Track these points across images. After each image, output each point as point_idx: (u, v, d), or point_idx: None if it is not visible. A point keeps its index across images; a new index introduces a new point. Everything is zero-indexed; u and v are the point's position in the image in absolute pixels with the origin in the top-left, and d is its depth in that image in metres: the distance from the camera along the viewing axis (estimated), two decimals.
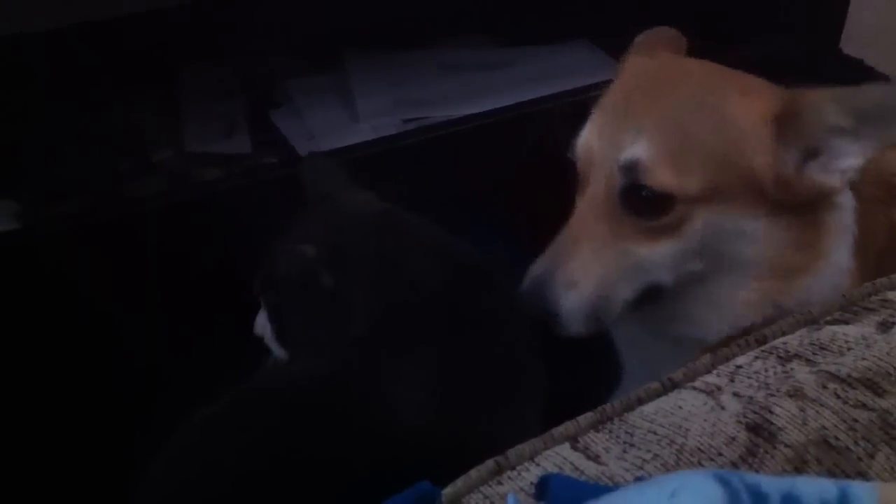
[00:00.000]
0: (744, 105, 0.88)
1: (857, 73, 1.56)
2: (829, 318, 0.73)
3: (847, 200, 0.93)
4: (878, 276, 0.89)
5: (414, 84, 1.56)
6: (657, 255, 0.89)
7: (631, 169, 0.87)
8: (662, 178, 0.86)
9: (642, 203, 0.87)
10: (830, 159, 0.87)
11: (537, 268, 0.91)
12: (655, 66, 0.98)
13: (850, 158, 0.87)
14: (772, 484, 0.46)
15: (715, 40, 1.20)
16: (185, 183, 1.41)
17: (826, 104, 0.85)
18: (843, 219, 0.93)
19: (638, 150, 0.87)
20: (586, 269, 0.89)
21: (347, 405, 0.89)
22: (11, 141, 1.34)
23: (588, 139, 0.93)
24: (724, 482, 0.45)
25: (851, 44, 1.62)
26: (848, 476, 0.56)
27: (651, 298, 0.92)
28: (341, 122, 1.49)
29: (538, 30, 1.69)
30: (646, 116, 0.89)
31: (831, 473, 0.56)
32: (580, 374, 1.04)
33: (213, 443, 0.91)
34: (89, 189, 1.35)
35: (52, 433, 1.16)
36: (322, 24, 1.56)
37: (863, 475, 0.56)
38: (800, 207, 0.89)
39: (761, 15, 1.53)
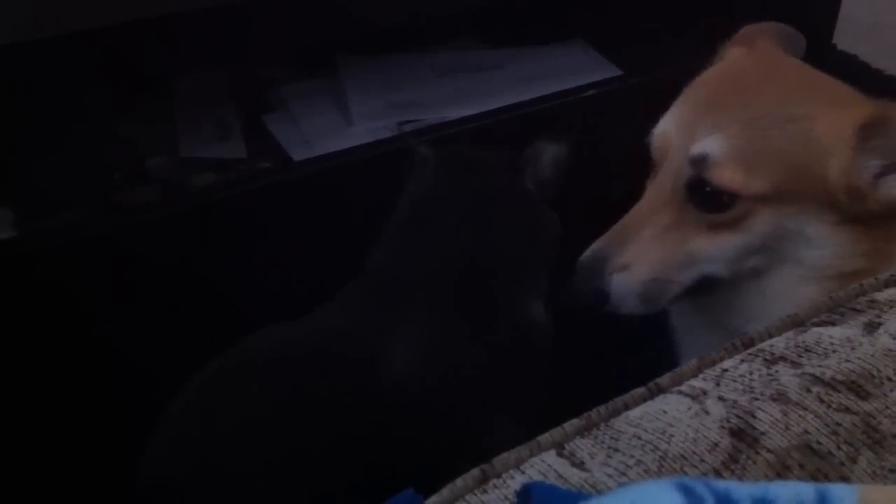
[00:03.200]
0: (829, 112, 0.88)
1: (851, 68, 1.56)
2: (815, 319, 0.72)
3: None
4: None
5: (408, 87, 1.56)
6: (715, 249, 0.91)
7: (699, 162, 0.88)
8: (728, 175, 0.87)
9: (706, 197, 0.89)
10: None
11: (595, 248, 0.93)
12: (749, 62, 0.99)
13: None
14: (743, 490, 0.46)
15: (708, 36, 1.20)
16: (181, 188, 1.41)
17: None
18: None
19: (709, 144, 0.88)
20: (642, 254, 0.90)
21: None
22: (5, 149, 1.34)
23: (666, 127, 0.94)
24: (687, 491, 0.45)
25: (845, 39, 1.62)
26: (830, 481, 0.56)
27: (707, 289, 0.93)
28: (336, 125, 1.49)
29: (532, 31, 1.69)
30: (725, 112, 0.90)
31: (813, 478, 0.56)
32: (632, 361, 1.07)
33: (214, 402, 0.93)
34: (84, 196, 1.35)
35: (45, 442, 1.16)
36: (315, 29, 1.56)
37: (845, 480, 0.56)
38: (873, 218, 0.89)
39: (754, 11, 1.53)
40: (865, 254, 0.90)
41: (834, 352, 0.66)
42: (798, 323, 0.72)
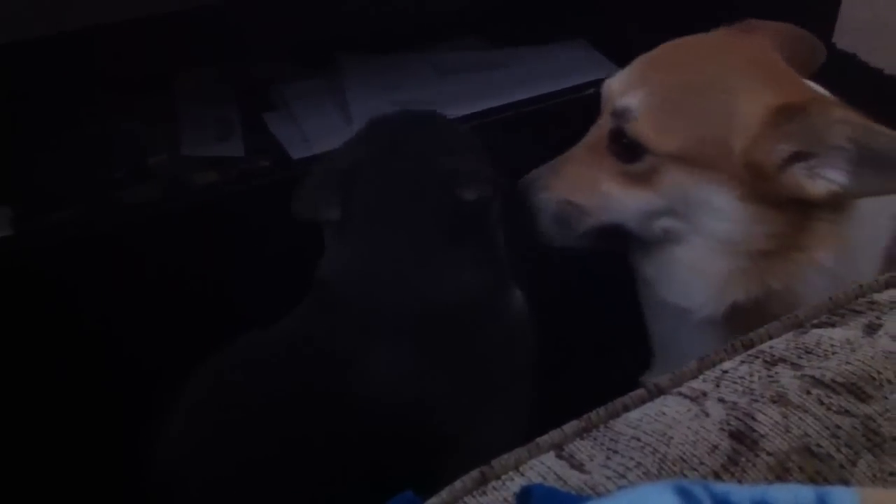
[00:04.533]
0: (756, 90, 0.91)
1: (850, 67, 1.56)
2: (815, 321, 0.72)
3: (884, 209, 0.95)
4: None
5: (408, 86, 1.55)
6: (625, 199, 0.97)
7: (620, 114, 0.95)
8: (641, 129, 0.93)
9: (622, 147, 0.96)
10: (820, 168, 0.88)
11: (532, 173, 1.04)
12: (714, 37, 1.03)
13: (838, 178, 0.88)
14: (742, 493, 0.46)
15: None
16: (182, 186, 1.41)
17: (839, 125, 0.86)
18: (871, 225, 0.94)
19: (631, 99, 0.94)
20: (562, 181, 1.01)
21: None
22: (5, 147, 1.34)
23: (613, 81, 1.01)
24: (686, 493, 0.45)
25: (844, 38, 1.62)
26: (830, 484, 0.56)
27: (621, 239, 1.00)
28: (335, 124, 1.48)
29: (532, 30, 1.68)
30: (655, 75, 0.97)
31: (813, 481, 0.56)
32: (611, 359, 1.08)
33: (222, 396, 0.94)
34: (83, 194, 1.35)
35: (45, 441, 1.16)
36: (315, 27, 1.55)
37: (845, 482, 0.56)
38: (782, 201, 0.91)
39: (754, 10, 1.52)
40: (774, 235, 0.92)
41: (834, 353, 0.66)
42: (798, 324, 0.72)
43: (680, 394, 0.66)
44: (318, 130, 1.46)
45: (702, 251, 0.95)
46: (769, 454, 0.58)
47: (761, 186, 0.90)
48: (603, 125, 0.99)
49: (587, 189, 0.99)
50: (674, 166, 0.93)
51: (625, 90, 0.96)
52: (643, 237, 0.99)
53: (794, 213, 0.91)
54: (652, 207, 0.96)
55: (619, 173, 0.96)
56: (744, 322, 0.90)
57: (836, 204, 0.90)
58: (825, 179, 0.88)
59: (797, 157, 0.89)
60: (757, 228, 0.92)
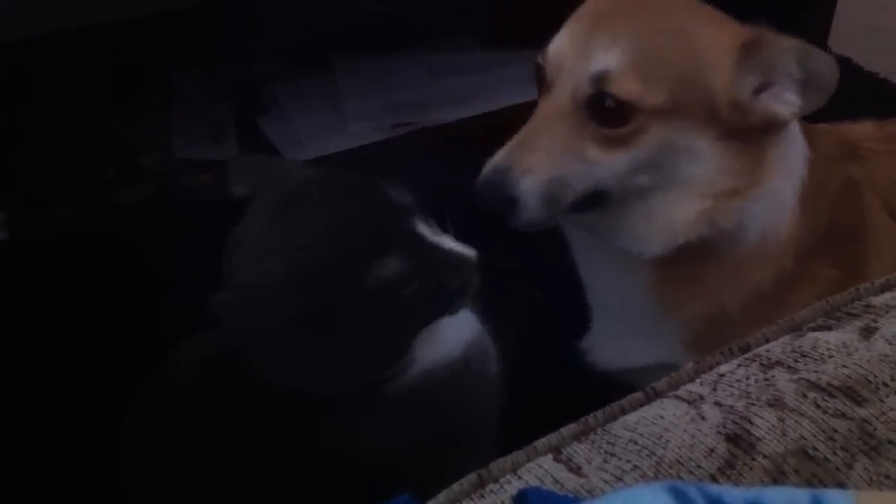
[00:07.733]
0: (711, 31, 0.94)
1: (845, 71, 1.56)
2: (811, 324, 0.73)
3: (798, 147, 1.00)
4: (831, 228, 1.01)
5: (402, 88, 1.55)
6: (610, 162, 0.95)
7: (599, 79, 0.92)
8: (628, 87, 0.91)
9: (605, 112, 0.93)
10: (782, 92, 0.93)
11: (496, 158, 0.96)
12: None
13: (794, 100, 0.93)
14: (736, 494, 0.46)
15: None
16: (174, 188, 1.41)
17: (787, 51, 0.92)
18: (791, 160, 1.00)
19: (609, 60, 0.92)
20: (542, 157, 0.95)
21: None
22: None
23: (560, 45, 0.98)
24: (679, 494, 0.45)
25: (839, 42, 1.62)
26: (826, 486, 0.56)
27: (596, 203, 0.98)
28: (329, 126, 1.48)
29: (526, 32, 1.68)
30: (619, 30, 0.94)
31: (809, 484, 0.56)
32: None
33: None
34: (76, 196, 1.34)
35: (39, 440, 1.16)
36: (310, 29, 1.55)
37: (841, 485, 0.56)
38: (748, 135, 0.95)
39: (749, 13, 1.53)
40: (739, 171, 0.96)
41: (830, 357, 0.66)
42: (795, 327, 0.73)
43: (677, 397, 0.67)
44: (312, 132, 1.46)
45: (670, 199, 0.98)
46: (765, 457, 0.58)
47: (738, 120, 0.94)
48: (567, 92, 0.96)
49: (571, 159, 0.96)
50: (658, 120, 0.93)
51: (586, 53, 0.94)
52: (620, 194, 0.98)
53: (753, 145, 0.96)
54: (636, 164, 0.95)
55: (601, 139, 0.95)
56: (680, 263, 0.99)
57: (780, 131, 0.96)
58: (785, 103, 0.93)
59: (763, 86, 0.93)
60: (726, 165, 0.96)
